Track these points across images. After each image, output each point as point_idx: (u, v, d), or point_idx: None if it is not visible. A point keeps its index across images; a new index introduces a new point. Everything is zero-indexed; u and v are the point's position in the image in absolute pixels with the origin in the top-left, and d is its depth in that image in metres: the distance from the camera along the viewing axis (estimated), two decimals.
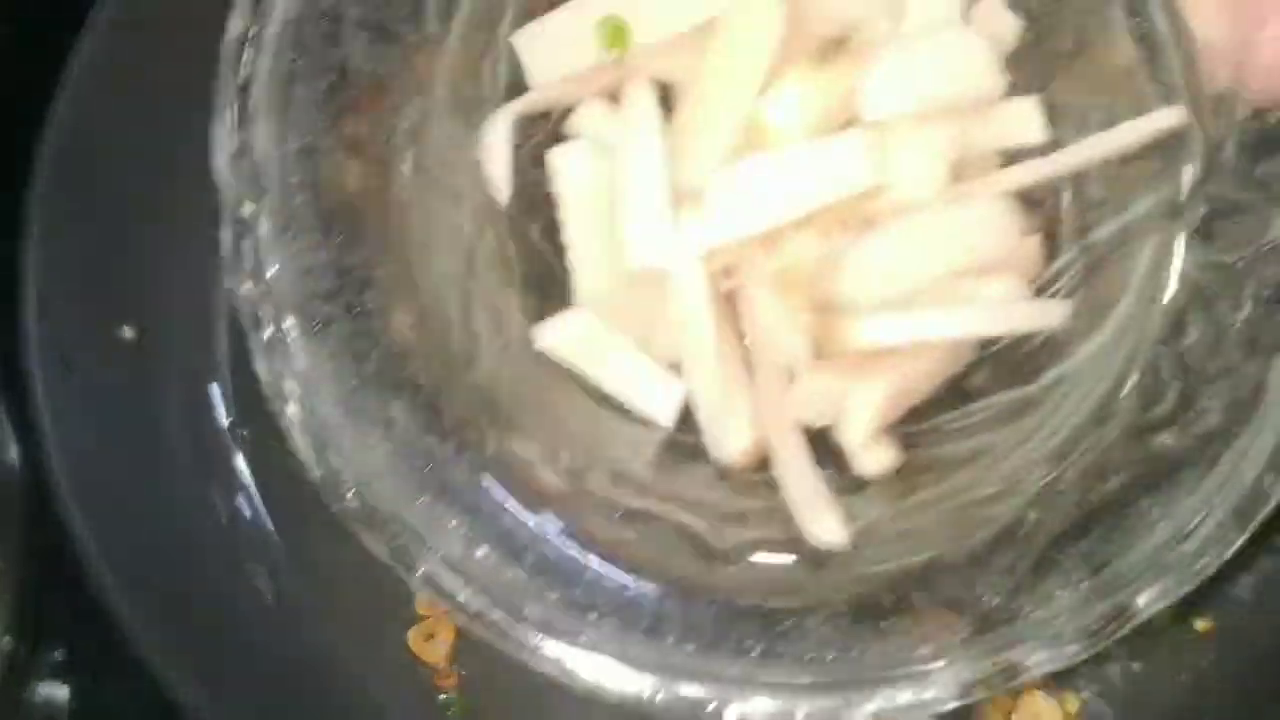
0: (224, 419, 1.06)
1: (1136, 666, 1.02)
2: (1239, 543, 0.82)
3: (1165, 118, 0.89)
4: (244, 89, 0.88)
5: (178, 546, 1.03)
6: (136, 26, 1.04)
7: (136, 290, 1.05)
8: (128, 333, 1.05)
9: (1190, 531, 0.83)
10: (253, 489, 1.06)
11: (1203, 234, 0.88)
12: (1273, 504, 0.82)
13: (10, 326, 1.02)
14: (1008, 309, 0.91)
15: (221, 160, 0.87)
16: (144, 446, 1.04)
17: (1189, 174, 0.89)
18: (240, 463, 1.05)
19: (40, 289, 1.01)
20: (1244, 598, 1.01)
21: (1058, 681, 1.01)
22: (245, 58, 0.88)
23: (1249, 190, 0.87)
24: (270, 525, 1.06)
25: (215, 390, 1.07)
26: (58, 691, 1.05)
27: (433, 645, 1.03)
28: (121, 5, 1.04)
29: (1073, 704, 1.02)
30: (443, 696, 1.04)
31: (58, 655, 1.05)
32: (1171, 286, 0.89)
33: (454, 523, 0.88)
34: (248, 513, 1.06)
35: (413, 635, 1.04)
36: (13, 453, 1.04)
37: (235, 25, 0.88)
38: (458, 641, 1.03)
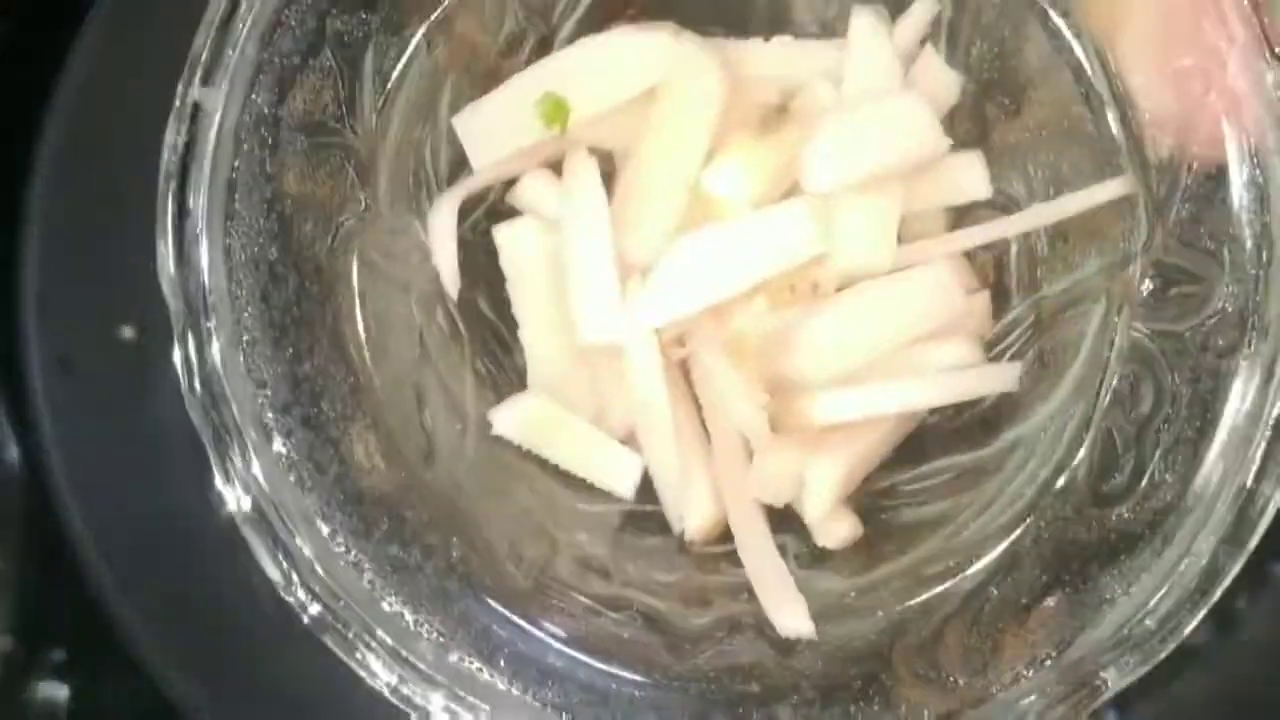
0: None
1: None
2: (1200, 616, 0.83)
3: (1113, 187, 0.89)
4: (184, 203, 0.87)
5: (177, 546, 1.02)
6: (135, 25, 1.03)
7: (136, 290, 1.00)
8: (128, 333, 1.04)
9: (1152, 608, 0.84)
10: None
11: (1152, 302, 0.89)
12: (1230, 577, 0.83)
13: (10, 326, 1.02)
14: (960, 377, 0.91)
15: (167, 279, 0.87)
16: (144, 446, 1.02)
17: (1135, 240, 0.89)
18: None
19: (39, 289, 1.02)
20: (1240, 608, 1.01)
21: None
22: (185, 170, 0.87)
23: (1196, 259, 0.87)
24: None
25: None
26: (57, 691, 1.05)
27: None
28: (120, 4, 1.03)
29: None
30: None
31: (57, 655, 1.05)
32: (1122, 353, 0.89)
33: (424, 629, 0.88)
34: None
35: None
36: (13, 453, 1.04)
37: (171, 138, 0.87)
38: None
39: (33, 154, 1.02)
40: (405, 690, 0.87)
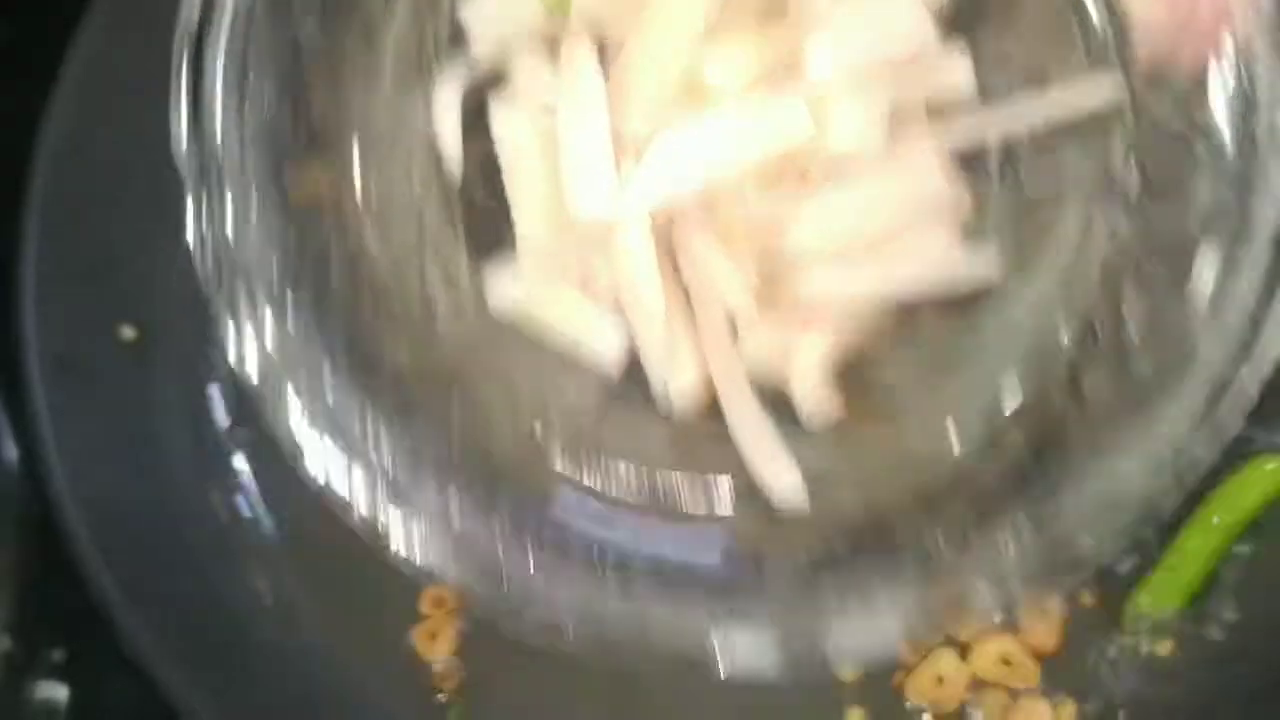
0: (223, 420, 1.07)
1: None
2: (1179, 498, 0.88)
3: (1098, 89, 0.93)
4: (198, 76, 0.88)
5: (177, 548, 1.04)
6: (134, 24, 1.04)
7: (137, 289, 1.05)
8: (128, 333, 1.06)
9: (1133, 487, 0.88)
10: (253, 489, 1.07)
11: (1134, 197, 0.92)
12: (1208, 461, 0.87)
13: (8, 325, 1.02)
14: (944, 262, 0.95)
15: (180, 147, 0.88)
16: (144, 448, 1.05)
17: (1119, 137, 0.93)
18: (240, 463, 1.07)
19: (38, 287, 1.02)
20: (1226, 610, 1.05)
21: (1054, 685, 1.04)
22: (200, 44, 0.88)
23: (1179, 158, 0.91)
24: (270, 525, 1.07)
25: (215, 391, 1.08)
26: (57, 691, 1.06)
27: (436, 644, 1.04)
28: (119, 2, 1.05)
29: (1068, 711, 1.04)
30: (442, 697, 1.05)
31: (57, 655, 1.06)
32: (1103, 244, 0.93)
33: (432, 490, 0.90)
34: (247, 513, 1.07)
35: (416, 634, 1.05)
36: (12, 452, 1.05)
37: (187, 12, 0.88)
38: (461, 641, 1.05)
39: (32, 152, 1.04)
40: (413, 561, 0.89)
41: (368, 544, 0.89)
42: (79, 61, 1.04)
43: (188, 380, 1.07)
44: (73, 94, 1.04)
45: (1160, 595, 1.01)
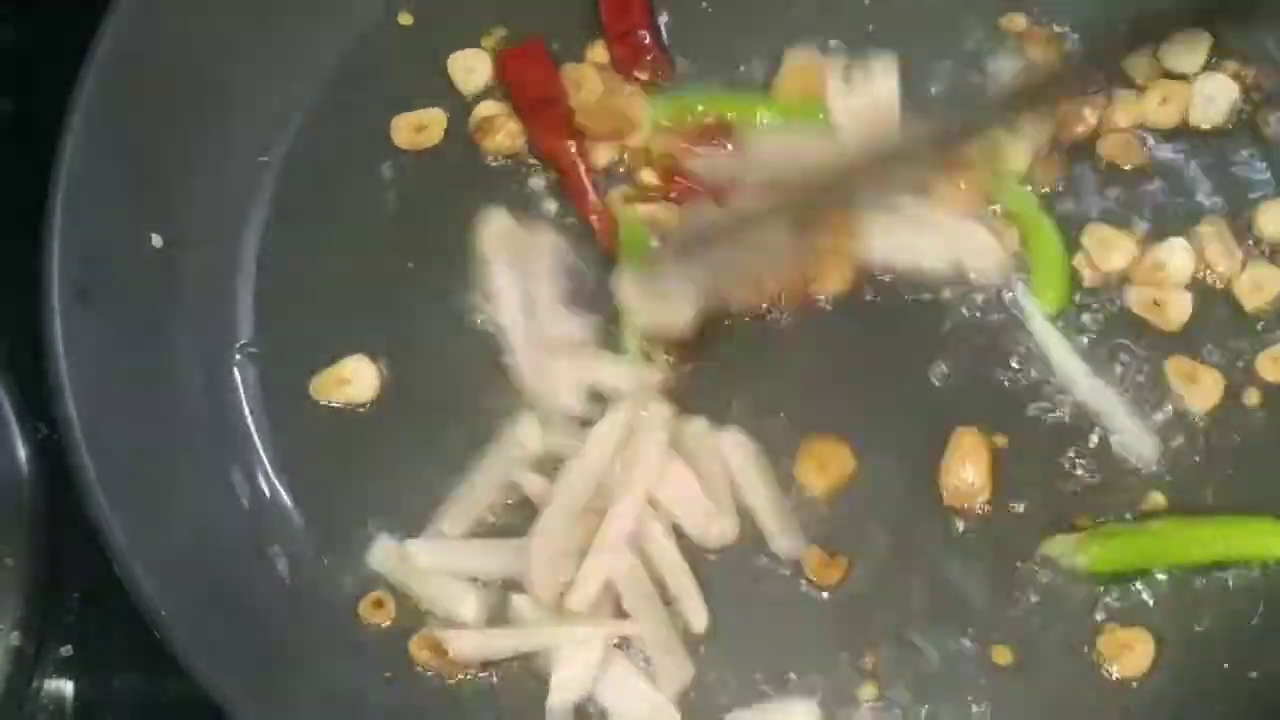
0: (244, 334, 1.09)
1: None
2: None
3: None
4: None
5: (198, 529, 1.01)
6: None
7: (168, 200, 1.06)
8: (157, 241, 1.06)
9: None
10: (271, 470, 1.06)
11: None
12: None
13: (24, 322, 1.00)
14: None
15: None
16: (164, 429, 1.03)
17: None
18: (260, 442, 1.06)
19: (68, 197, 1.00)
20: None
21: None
22: None
23: None
24: (290, 506, 1.05)
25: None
26: (64, 687, 1.06)
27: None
28: None
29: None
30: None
31: (64, 651, 1.07)
32: None
33: None
34: (268, 494, 1.05)
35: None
36: (21, 453, 1.06)
37: None
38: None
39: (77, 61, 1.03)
40: None
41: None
42: None
43: (210, 357, 1.07)
44: (123, 14, 1.04)
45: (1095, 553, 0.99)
